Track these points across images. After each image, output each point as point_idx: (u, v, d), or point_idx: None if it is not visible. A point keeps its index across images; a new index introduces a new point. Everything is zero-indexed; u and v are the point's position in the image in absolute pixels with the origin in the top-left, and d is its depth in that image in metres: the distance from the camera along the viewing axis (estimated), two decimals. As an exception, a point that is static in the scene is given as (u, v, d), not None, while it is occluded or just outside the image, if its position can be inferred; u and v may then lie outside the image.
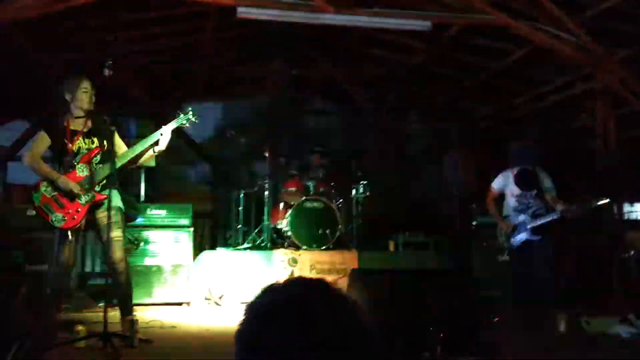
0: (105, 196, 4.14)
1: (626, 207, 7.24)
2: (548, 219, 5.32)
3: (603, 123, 7.00)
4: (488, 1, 6.49)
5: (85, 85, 4.24)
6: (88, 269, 6.23)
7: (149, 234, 6.17)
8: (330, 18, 6.65)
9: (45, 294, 4.46)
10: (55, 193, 4.12)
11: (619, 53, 6.89)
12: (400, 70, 9.50)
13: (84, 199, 4.14)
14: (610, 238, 6.55)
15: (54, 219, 4.09)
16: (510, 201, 5.58)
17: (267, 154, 7.42)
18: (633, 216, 7.67)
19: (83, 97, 4.22)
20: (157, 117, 9.27)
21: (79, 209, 4.13)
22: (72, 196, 4.11)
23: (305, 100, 10.33)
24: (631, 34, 6.75)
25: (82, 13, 6.38)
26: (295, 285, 1.12)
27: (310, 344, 1.00)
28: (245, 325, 1.08)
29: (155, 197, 7.57)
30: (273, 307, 1.06)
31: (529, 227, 5.37)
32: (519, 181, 5.46)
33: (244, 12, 6.55)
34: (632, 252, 6.43)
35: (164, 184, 8.42)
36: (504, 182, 5.63)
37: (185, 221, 6.36)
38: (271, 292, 1.11)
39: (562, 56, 6.97)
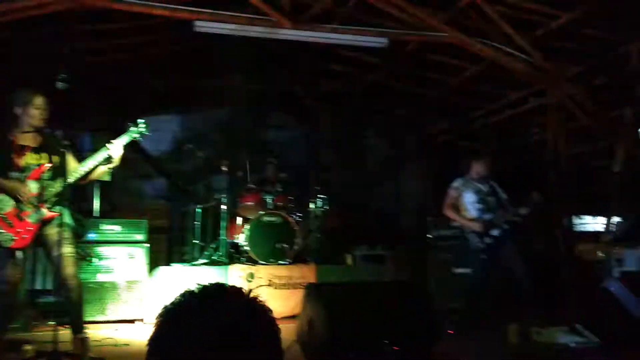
0: (56, 214, 4.04)
1: (575, 220, 7.44)
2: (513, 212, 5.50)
3: (554, 137, 7.22)
4: (443, 19, 6.64)
5: (39, 102, 4.06)
6: (38, 286, 6.03)
7: (102, 249, 6.04)
8: (288, 34, 6.69)
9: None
10: (4, 213, 3.97)
11: (568, 70, 7.12)
12: (358, 85, 9.61)
13: (33, 218, 4.01)
14: (561, 250, 6.72)
15: (2, 238, 3.94)
16: (473, 205, 5.64)
17: (224, 168, 7.36)
18: (582, 228, 7.89)
19: (35, 113, 4.05)
20: (113, 131, 9.16)
21: (29, 228, 3.99)
22: (21, 215, 3.96)
23: (264, 115, 10.32)
24: (580, 52, 7.00)
25: (35, 24, 6.26)
26: (211, 291, 1.18)
27: (210, 345, 1.05)
28: (156, 327, 1.13)
29: (110, 212, 7.40)
30: (182, 310, 1.13)
31: (501, 220, 5.47)
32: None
33: (201, 26, 6.52)
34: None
35: (119, 198, 8.24)
36: (464, 185, 5.71)
37: (140, 236, 6.26)
38: (185, 297, 1.16)
39: (515, 73, 7.17)
